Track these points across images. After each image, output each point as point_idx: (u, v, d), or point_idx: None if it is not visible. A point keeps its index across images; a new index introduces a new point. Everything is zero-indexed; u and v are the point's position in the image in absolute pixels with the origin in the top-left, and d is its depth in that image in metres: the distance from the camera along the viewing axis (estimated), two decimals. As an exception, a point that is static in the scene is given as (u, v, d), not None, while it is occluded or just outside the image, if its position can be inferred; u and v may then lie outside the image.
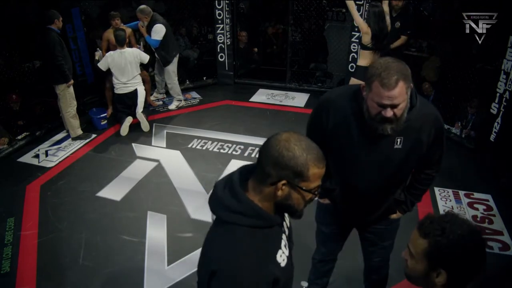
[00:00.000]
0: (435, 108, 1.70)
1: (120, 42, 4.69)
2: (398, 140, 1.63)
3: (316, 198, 2.02)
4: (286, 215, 1.29)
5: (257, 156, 1.15)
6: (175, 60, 5.37)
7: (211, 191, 1.19)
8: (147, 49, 5.39)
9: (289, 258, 1.24)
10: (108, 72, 4.84)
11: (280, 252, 1.18)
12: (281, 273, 1.15)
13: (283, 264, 1.17)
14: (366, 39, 3.84)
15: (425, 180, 1.88)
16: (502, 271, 2.82)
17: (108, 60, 4.69)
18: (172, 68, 5.37)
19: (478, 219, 3.36)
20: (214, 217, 1.19)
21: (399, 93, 1.46)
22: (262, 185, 1.11)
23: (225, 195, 1.13)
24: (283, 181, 1.08)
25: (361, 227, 2.06)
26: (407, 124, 1.58)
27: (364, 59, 3.95)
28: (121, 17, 5.21)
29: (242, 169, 1.19)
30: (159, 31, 5.02)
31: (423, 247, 1.09)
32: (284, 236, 1.23)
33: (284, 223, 1.27)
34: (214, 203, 1.15)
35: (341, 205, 1.95)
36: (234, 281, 1.05)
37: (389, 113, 1.50)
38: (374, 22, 3.79)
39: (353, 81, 4.18)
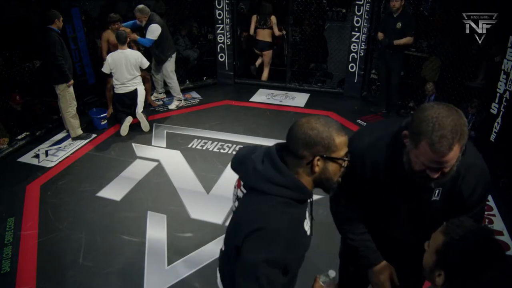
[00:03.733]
0: (482, 160, 1.47)
1: (122, 41, 4.70)
2: (437, 191, 1.43)
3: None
4: None
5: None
6: (172, 59, 5.38)
7: (240, 166, 1.33)
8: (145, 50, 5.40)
9: (311, 228, 1.37)
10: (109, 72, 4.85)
11: (306, 221, 1.31)
12: (307, 240, 1.30)
13: (308, 232, 1.32)
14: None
15: None
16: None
17: (109, 60, 4.69)
18: (170, 68, 5.38)
19: (478, 219, 3.36)
20: (240, 193, 1.34)
21: (451, 158, 1.22)
22: (298, 167, 1.22)
23: (265, 168, 1.22)
24: (317, 157, 1.19)
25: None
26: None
27: None
28: (120, 19, 5.20)
29: (276, 146, 1.28)
30: (154, 31, 5.04)
31: (438, 243, 1.11)
32: (307, 209, 1.34)
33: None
34: (254, 176, 1.23)
35: None
36: (278, 235, 1.13)
37: (435, 175, 1.27)
38: None
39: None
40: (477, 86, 4.87)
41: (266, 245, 1.13)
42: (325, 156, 1.19)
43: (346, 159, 1.23)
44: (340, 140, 1.20)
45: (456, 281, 1.08)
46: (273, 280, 1.13)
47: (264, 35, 5.84)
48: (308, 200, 1.36)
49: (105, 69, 4.75)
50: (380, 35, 5.06)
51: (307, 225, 1.31)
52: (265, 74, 6.36)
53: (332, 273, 1.36)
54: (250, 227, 1.16)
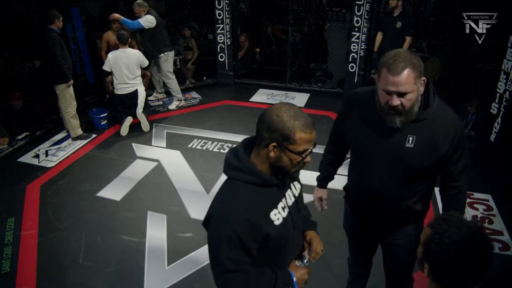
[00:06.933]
0: (455, 113, 1.61)
1: (123, 41, 4.72)
2: (410, 138, 1.56)
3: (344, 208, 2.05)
4: (293, 185, 1.45)
5: None
6: (170, 59, 5.40)
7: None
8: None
9: (288, 220, 1.35)
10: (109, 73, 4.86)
11: (275, 211, 1.31)
12: (273, 230, 1.29)
13: (277, 222, 1.30)
14: None
15: (451, 197, 1.70)
16: (502, 271, 2.82)
17: (110, 58, 4.70)
18: (166, 68, 5.40)
19: (478, 219, 3.36)
20: None
21: (405, 80, 1.42)
22: (259, 148, 1.28)
23: (230, 155, 1.34)
24: (274, 143, 1.23)
25: (379, 237, 1.96)
26: (422, 123, 1.54)
27: None
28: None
29: (248, 139, 1.37)
30: (148, 20, 5.09)
31: (425, 236, 1.13)
32: (284, 200, 1.36)
33: (290, 190, 1.42)
34: (224, 163, 1.35)
35: (354, 207, 1.93)
36: (223, 225, 1.22)
37: (395, 101, 1.45)
38: None
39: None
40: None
41: (218, 227, 1.22)
42: (281, 145, 1.23)
43: (303, 156, 1.26)
44: (301, 136, 1.22)
45: (437, 273, 1.11)
46: (235, 259, 1.22)
47: None
48: (288, 192, 1.39)
49: (106, 67, 4.76)
50: (378, 40, 5.08)
51: (275, 215, 1.30)
52: None
53: (306, 257, 1.49)
54: (208, 213, 1.30)
